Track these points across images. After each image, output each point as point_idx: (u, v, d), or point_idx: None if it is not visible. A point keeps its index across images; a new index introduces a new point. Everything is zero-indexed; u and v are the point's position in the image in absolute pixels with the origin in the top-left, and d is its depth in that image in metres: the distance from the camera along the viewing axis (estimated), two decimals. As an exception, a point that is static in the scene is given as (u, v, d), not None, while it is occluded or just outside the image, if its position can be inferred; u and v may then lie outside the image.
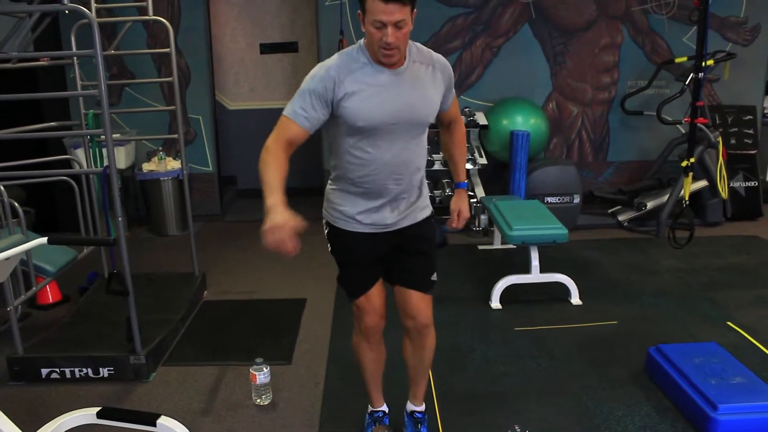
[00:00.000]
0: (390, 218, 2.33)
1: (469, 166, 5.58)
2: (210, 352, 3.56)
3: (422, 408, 2.72)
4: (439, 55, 2.31)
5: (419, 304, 2.44)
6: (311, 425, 2.84)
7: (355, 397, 3.01)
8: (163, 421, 2.61)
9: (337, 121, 2.19)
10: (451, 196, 5.32)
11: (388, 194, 2.29)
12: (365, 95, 2.13)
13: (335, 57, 2.18)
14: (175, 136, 4.23)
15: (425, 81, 2.23)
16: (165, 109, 5.11)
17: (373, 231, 2.34)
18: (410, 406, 2.73)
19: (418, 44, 2.26)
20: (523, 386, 3.11)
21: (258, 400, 3.03)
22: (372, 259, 2.41)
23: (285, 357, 3.47)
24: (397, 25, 2.00)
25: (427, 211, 2.45)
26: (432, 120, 2.30)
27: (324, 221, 2.44)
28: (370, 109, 2.13)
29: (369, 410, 2.75)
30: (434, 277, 2.46)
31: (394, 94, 2.16)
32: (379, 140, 2.20)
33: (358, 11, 2.10)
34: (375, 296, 2.44)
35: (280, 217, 1.93)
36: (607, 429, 2.75)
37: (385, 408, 2.75)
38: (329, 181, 2.41)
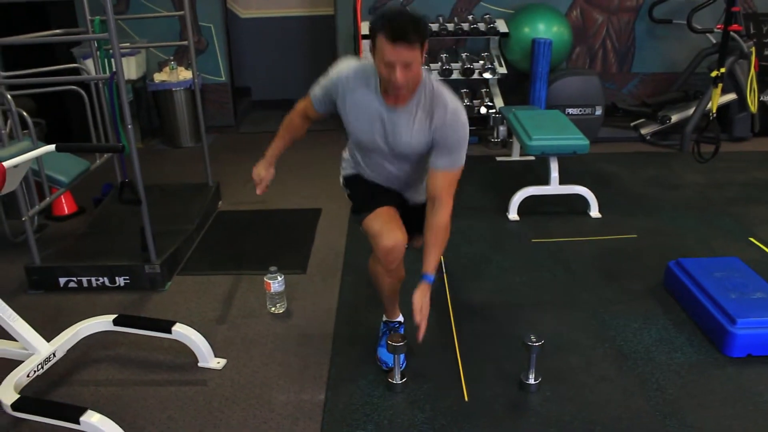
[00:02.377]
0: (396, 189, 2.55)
1: (488, 75, 5.41)
2: (225, 262, 3.56)
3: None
4: (448, 112, 2.19)
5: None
6: (326, 333, 2.85)
7: (369, 305, 3.01)
8: (178, 328, 2.63)
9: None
10: None
11: (391, 183, 2.51)
12: (356, 117, 2.29)
13: (352, 68, 2.29)
14: (185, 43, 4.09)
15: (414, 127, 2.24)
16: (173, 15, 4.94)
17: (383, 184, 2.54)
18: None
19: (437, 89, 2.22)
20: (539, 297, 3.09)
21: (273, 309, 3.04)
22: (383, 188, 2.53)
23: (300, 266, 3.46)
24: (406, 66, 2.04)
25: None
26: (423, 152, 2.31)
27: (341, 177, 2.66)
28: (359, 130, 2.32)
29: (384, 319, 2.75)
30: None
31: (381, 126, 2.27)
32: (371, 155, 2.41)
33: (371, 46, 2.14)
34: (386, 215, 2.38)
35: (261, 166, 2.67)
36: (623, 341, 2.74)
37: (401, 318, 2.74)
38: (346, 148, 2.62)
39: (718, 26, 4.62)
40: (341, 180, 2.66)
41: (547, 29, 5.38)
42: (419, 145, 2.27)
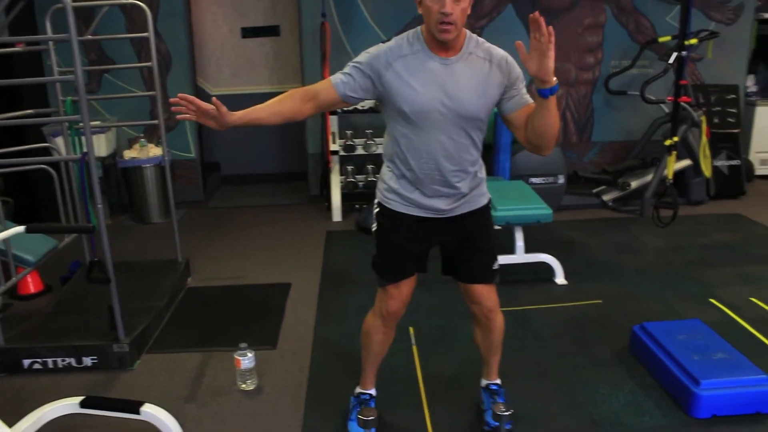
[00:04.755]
0: (443, 205, 2.31)
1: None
2: (195, 339, 3.54)
3: (497, 381, 2.73)
4: (503, 52, 2.21)
5: (483, 291, 2.46)
6: (296, 409, 2.83)
7: (340, 380, 3.00)
8: (147, 408, 2.59)
9: (386, 104, 2.23)
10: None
11: (440, 183, 2.27)
12: (412, 80, 2.14)
13: (392, 40, 2.21)
14: (156, 122, 4.17)
15: (478, 74, 2.16)
16: (144, 95, 5.04)
17: (428, 216, 2.33)
18: (484, 381, 2.74)
19: (481, 39, 2.22)
20: (508, 366, 3.09)
21: (243, 385, 3.02)
22: (415, 250, 2.42)
23: (270, 342, 3.45)
24: None
25: (484, 198, 2.42)
26: (483, 116, 2.22)
27: (375, 201, 2.45)
28: (414, 95, 2.14)
29: (356, 392, 2.75)
30: (496, 265, 2.47)
31: (442, 83, 2.14)
32: (426, 128, 2.18)
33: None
34: (405, 286, 2.44)
35: (224, 113, 2.13)
36: (592, 407, 2.77)
37: (373, 391, 2.74)
38: (385, 164, 2.39)
39: (669, 98, 4.85)
40: (375, 206, 2.45)
41: (508, 102, 5.57)
42: (492, 92, 2.18)
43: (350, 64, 2.21)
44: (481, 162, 2.36)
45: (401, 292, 2.43)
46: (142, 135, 5.86)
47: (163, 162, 4.36)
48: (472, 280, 2.45)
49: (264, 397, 2.95)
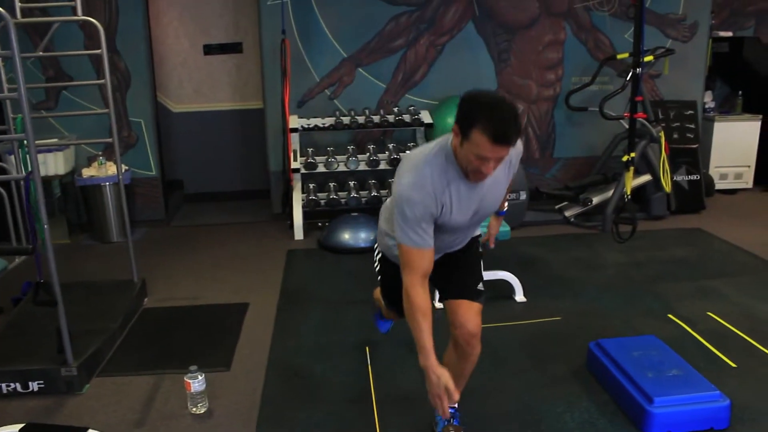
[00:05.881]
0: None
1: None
2: (147, 361, 3.46)
3: (454, 404, 2.58)
4: (518, 148, 2.34)
5: (467, 313, 2.42)
6: (247, 432, 2.78)
7: (292, 401, 2.96)
8: (90, 434, 2.53)
9: None
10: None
11: (445, 251, 2.44)
12: (461, 205, 2.19)
13: (427, 169, 2.11)
14: (110, 140, 4.09)
15: (500, 177, 2.28)
16: (99, 113, 4.94)
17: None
18: None
19: None
20: (465, 385, 3.08)
21: (194, 409, 2.95)
22: None
23: (224, 363, 3.39)
24: (500, 160, 2.03)
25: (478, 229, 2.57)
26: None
27: (377, 247, 2.60)
28: (451, 217, 2.19)
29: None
30: (480, 286, 2.47)
31: (474, 199, 2.22)
32: (447, 232, 2.28)
33: (455, 125, 2.04)
34: None
35: (434, 377, 2.10)
36: (547, 426, 2.75)
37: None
38: (389, 226, 2.40)
39: (626, 114, 4.90)
40: (377, 252, 2.55)
41: (470, 119, 5.58)
42: (503, 192, 2.37)
43: (411, 220, 2.10)
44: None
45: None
46: (101, 153, 5.76)
47: (119, 182, 4.27)
48: (454, 294, 2.43)
49: (215, 421, 2.88)
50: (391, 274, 2.46)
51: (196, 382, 2.91)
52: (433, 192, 2.10)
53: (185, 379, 2.92)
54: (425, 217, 2.10)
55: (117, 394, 3.13)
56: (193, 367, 2.95)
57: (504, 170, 2.27)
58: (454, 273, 2.45)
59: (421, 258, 2.13)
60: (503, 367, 3.26)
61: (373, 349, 3.45)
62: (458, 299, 2.42)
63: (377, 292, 2.92)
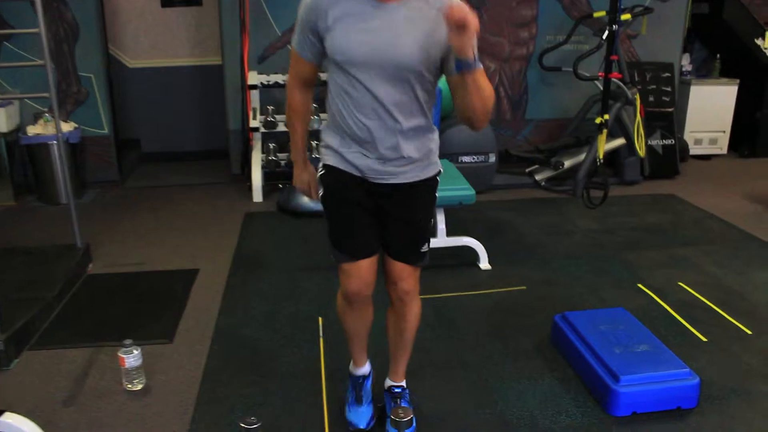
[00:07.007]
0: (381, 168, 2.08)
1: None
2: (85, 333, 3.22)
3: (402, 383, 2.50)
4: (457, 1, 1.82)
5: (402, 272, 2.23)
6: (184, 411, 2.56)
7: (236, 376, 2.77)
8: (7, 418, 2.29)
9: (326, 54, 2.01)
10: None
11: (378, 143, 2.04)
12: (347, 26, 1.92)
13: None
14: (46, 95, 3.78)
15: (420, 22, 1.90)
16: (34, 64, 4.58)
17: (364, 177, 2.11)
18: (388, 382, 2.51)
19: None
20: (417, 359, 2.84)
21: (129, 386, 2.73)
22: (363, 214, 2.16)
23: (166, 335, 3.16)
24: None
25: (429, 170, 2.17)
26: (425, 72, 1.95)
27: (320, 164, 2.21)
28: (348, 42, 1.93)
29: (350, 371, 2.54)
30: (425, 248, 2.24)
31: (378, 30, 1.91)
32: (364, 80, 1.96)
33: None
34: (364, 264, 2.18)
35: (301, 172, 2.27)
36: (505, 404, 2.57)
37: (365, 370, 2.50)
38: (324, 120, 2.24)
39: (600, 74, 4.69)
40: (320, 168, 2.20)
41: (439, 78, 5.35)
42: (426, 46, 1.90)
43: (298, 22, 2.02)
44: (433, 128, 2.15)
45: (360, 269, 2.17)
46: (47, 109, 5.42)
47: (71, 138, 3.97)
48: (395, 256, 2.22)
49: (151, 398, 2.67)
50: (335, 198, 2.19)
51: (131, 357, 2.69)
52: (324, 1, 1.95)
53: (119, 354, 2.70)
54: (309, 24, 1.98)
55: (48, 370, 2.90)
56: (127, 341, 2.72)
57: (430, 15, 1.89)
58: (401, 234, 2.20)
59: (297, 63, 2.11)
60: (462, 339, 3.08)
61: (326, 320, 3.24)
62: (397, 260, 2.23)
63: (339, 299, 2.39)
